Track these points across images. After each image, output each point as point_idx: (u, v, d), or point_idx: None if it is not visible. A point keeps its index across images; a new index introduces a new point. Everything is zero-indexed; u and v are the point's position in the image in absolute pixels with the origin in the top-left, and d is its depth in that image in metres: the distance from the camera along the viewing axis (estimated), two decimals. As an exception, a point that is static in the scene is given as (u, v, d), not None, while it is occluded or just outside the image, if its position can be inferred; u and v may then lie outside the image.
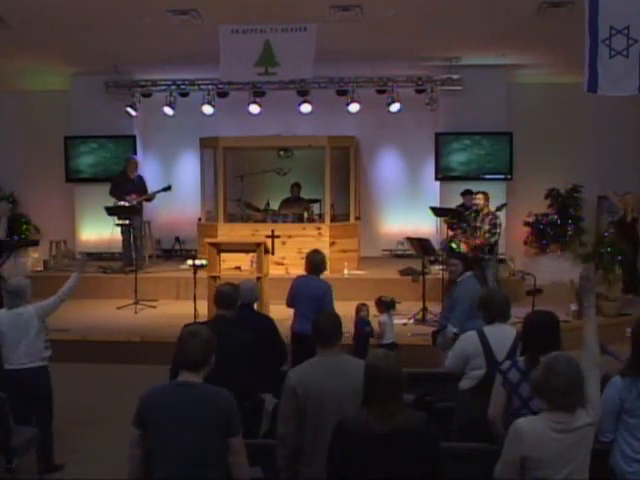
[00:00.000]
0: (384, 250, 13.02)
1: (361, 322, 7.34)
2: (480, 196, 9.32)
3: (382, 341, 7.22)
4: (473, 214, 9.33)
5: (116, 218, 11.15)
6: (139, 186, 11.45)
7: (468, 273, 6.56)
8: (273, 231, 10.42)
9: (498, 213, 9.37)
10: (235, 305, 5.11)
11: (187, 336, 3.42)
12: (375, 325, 7.35)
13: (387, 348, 6.85)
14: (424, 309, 9.00)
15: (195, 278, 8.95)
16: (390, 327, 7.30)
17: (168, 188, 11.23)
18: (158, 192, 11.30)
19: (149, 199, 11.44)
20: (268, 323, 5.87)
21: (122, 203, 11.19)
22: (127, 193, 11.22)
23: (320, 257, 6.81)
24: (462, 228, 9.57)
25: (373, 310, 7.54)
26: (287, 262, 10.68)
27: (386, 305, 7.38)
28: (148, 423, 3.34)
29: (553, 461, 3.22)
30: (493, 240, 8.99)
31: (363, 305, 7.47)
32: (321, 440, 3.76)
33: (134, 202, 11.14)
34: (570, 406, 3.25)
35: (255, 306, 6.19)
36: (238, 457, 3.36)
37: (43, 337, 5.59)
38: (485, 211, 9.20)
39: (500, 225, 9.11)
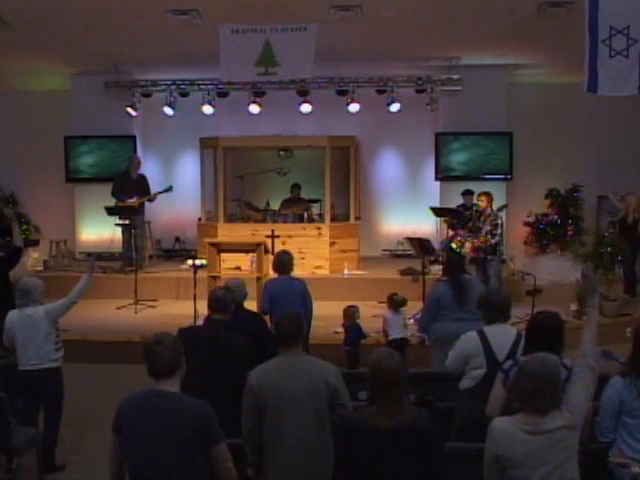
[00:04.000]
0: (384, 250, 13.02)
1: (353, 327, 7.36)
2: (482, 197, 9.31)
3: (390, 337, 7.25)
4: (474, 214, 9.32)
5: (118, 218, 11.16)
6: (141, 185, 11.45)
7: (444, 278, 6.64)
8: (273, 231, 10.42)
9: (500, 213, 9.35)
10: (229, 309, 5.10)
11: (153, 346, 3.40)
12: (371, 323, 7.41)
13: (396, 344, 6.92)
14: (424, 309, 9.00)
15: (195, 278, 8.95)
16: (397, 323, 7.33)
17: (169, 189, 11.24)
18: (159, 193, 11.30)
19: (150, 200, 11.45)
20: (258, 320, 5.90)
21: (121, 204, 11.20)
22: (129, 195, 11.22)
23: (289, 257, 6.86)
24: (467, 228, 9.54)
25: (363, 308, 7.58)
26: (287, 262, 10.67)
27: (395, 304, 7.42)
28: (123, 430, 3.36)
29: (526, 461, 3.19)
30: (494, 241, 8.98)
31: (353, 307, 7.48)
32: (281, 439, 3.84)
33: (135, 204, 11.15)
34: (540, 408, 3.21)
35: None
36: (224, 463, 3.37)
37: (53, 339, 5.60)
38: (488, 211, 9.19)
39: (502, 225, 9.10)
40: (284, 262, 6.80)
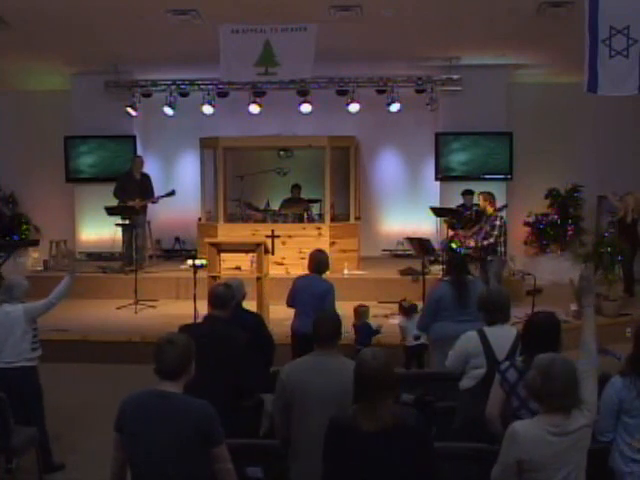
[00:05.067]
0: (384, 250, 13.01)
1: (363, 327, 7.33)
2: (480, 197, 9.30)
3: (408, 344, 7.24)
4: (475, 215, 9.31)
5: (120, 218, 11.15)
6: (144, 186, 11.45)
7: (445, 278, 6.64)
8: (273, 231, 10.42)
9: (499, 214, 9.30)
10: (229, 305, 5.13)
11: (164, 345, 3.38)
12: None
13: (413, 350, 6.94)
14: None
15: (195, 278, 8.95)
16: (412, 329, 7.32)
17: (172, 193, 11.24)
18: (162, 197, 11.33)
19: (153, 202, 11.46)
20: (256, 320, 5.93)
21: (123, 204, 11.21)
22: (131, 196, 11.22)
23: (323, 256, 6.82)
24: (469, 228, 9.52)
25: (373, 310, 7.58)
26: (287, 262, 10.68)
27: (405, 310, 7.42)
28: (125, 429, 3.35)
29: (549, 464, 3.20)
30: (486, 242, 8.93)
31: (363, 307, 7.47)
32: (305, 437, 3.84)
33: (137, 207, 11.15)
34: (566, 408, 3.23)
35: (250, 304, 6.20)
36: (223, 464, 3.36)
37: (30, 338, 5.57)
38: (488, 212, 9.16)
39: (500, 227, 9.03)
40: (316, 261, 6.77)
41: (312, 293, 6.57)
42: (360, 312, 7.39)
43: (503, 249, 9.10)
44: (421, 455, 3.26)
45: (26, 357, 5.54)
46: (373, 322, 7.56)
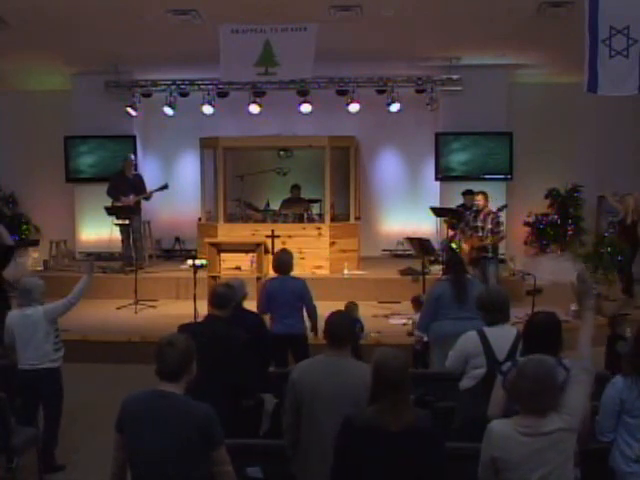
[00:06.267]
0: (384, 250, 13.02)
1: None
2: (480, 196, 9.32)
3: (424, 338, 7.25)
4: (473, 214, 9.32)
5: (115, 218, 11.17)
6: (137, 185, 11.46)
7: (443, 277, 6.66)
8: (273, 231, 10.41)
9: (500, 213, 9.35)
10: (229, 306, 5.12)
11: (164, 346, 3.37)
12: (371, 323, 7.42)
13: (419, 350, 6.96)
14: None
15: (195, 278, 8.95)
16: None
17: (165, 187, 11.26)
18: (155, 191, 11.33)
19: (146, 198, 11.47)
20: (256, 320, 5.93)
21: (118, 204, 11.21)
22: (124, 193, 11.23)
23: (289, 256, 6.89)
24: (460, 228, 9.55)
25: (363, 308, 7.56)
26: (287, 262, 10.67)
27: (420, 304, 7.44)
28: (125, 429, 3.35)
29: (522, 464, 3.18)
30: (499, 238, 9.01)
31: (352, 304, 7.51)
32: (313, 437, 3.84)
33: (131, 203, 11.16)
34: (539, 410, 3.20)
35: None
36: (222, 466, 3.35)
37: (52, 339, 5.60)
38: (486, 210, 9.18)
39: (503, 224, 9.13)
40: (283, 262, 6.82)
41: (292, 292, 6.63)
42: (349, 309, 7.42)
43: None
44: (436, 456, 3.30)
45: (50, 358, 5.57)
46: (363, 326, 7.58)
